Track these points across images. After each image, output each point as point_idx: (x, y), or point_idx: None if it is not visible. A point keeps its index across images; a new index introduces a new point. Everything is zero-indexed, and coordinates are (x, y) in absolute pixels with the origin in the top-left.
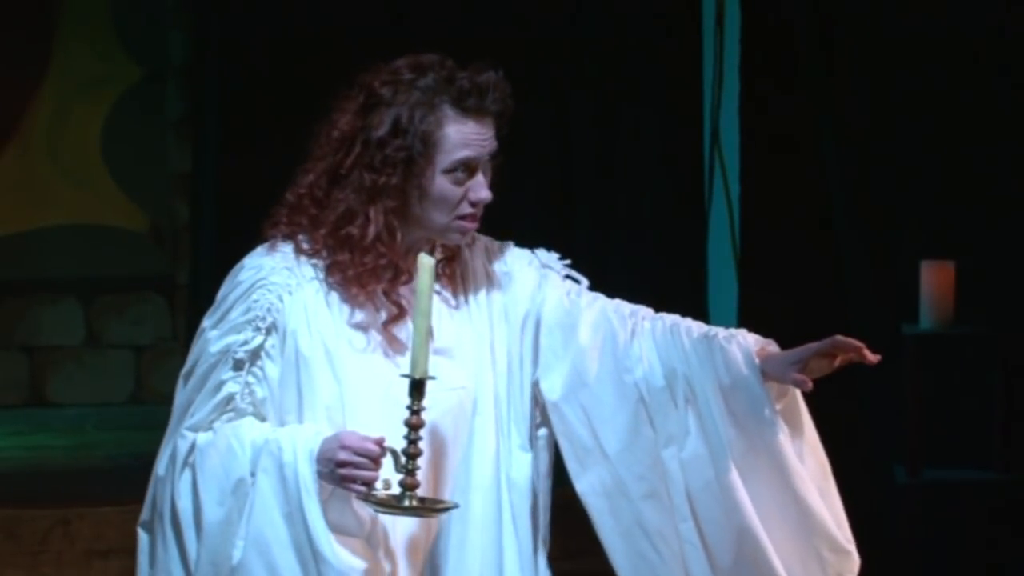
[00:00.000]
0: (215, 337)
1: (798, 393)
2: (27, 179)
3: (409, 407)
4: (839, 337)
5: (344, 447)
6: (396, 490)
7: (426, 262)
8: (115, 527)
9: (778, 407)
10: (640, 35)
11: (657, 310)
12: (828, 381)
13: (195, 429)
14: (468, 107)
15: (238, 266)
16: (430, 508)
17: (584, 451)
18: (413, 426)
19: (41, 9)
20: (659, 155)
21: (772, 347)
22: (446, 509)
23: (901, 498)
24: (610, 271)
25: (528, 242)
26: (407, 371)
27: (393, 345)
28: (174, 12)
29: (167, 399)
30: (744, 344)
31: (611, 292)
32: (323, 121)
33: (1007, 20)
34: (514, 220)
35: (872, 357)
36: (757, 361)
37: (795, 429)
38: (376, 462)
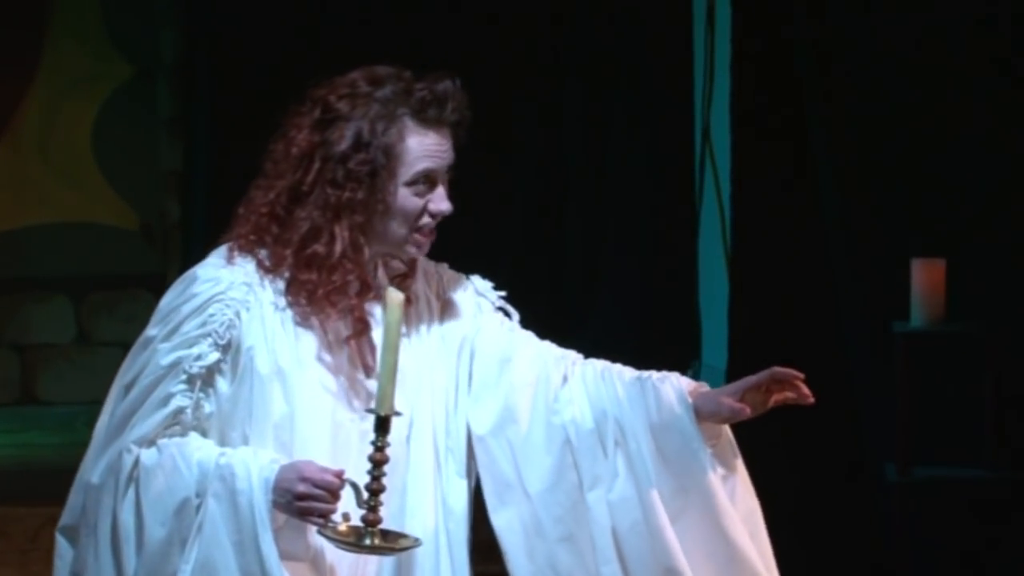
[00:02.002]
0: (165, 349)
1: (731, 435)
2: (18, 177)
3: (374, 443)
4: (777, 368)
5: (304, 479)
6: (356, 522)
7: (395, 298)
8: None
9: (711, 448)
10: (630, 33)
11: (649, 309)
12: (818, 379)
13: (139, 443)
14: (428, 118)
15: (189, 276)
16: (391, 547)
17: (505, 487)
18: (377, 462)
19: (32, 7)
20: (650, 153)
21: (704, 388)
22: (408, 548)
23: (891, 496)
24: (601, 269)
25: (522, 239)
26: (361, 401)
27: (344, 366)
28: (165, 10)
29: None
30: (677, 385)
31: (603, 290)
32: (276, 138)
33: (999, 17)
34: (505, 218)
35: (809, 397)
36: (690, 400)
37: (728, 470)
38: (335, 495)
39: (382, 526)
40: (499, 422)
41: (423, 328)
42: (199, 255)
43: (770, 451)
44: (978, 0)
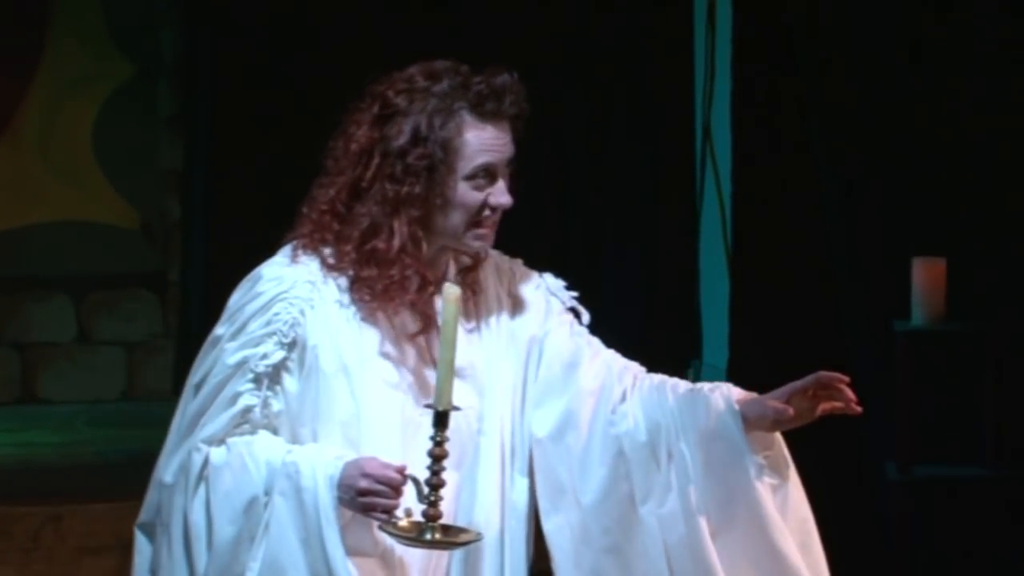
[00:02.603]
0: (232, 349)
1: (783, 445)
2: (18, 176)
3: (433, 438)
4: (823, 372)
5: (365, 475)
6: (418, 517)
7: (452, 293)
8: (106, 524)
9: (763, 458)
10: (631, 32)
11: (650, 308)
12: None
13: (209, 442)
14: (486, 112)
15: (254, 275)
16: (451, 541)
17: (559, 492)
18: (436, 457)
19: (33, 6)
20: (651, 152)
21: (754, 395)
22: (468, 542)
23: (892, 494)
24: (602, 268)
25: (521, 238)
26: (430, 398)
27: (410, 362)
28: (165, 10)
29: (158, 396)
30: (726, 393)
31: (603, 289)
32: (336, 135)
33: (1004, 20)
34: (506, 216)
35: (857, 406)
36: (737, 407)
37: (780, 480)
38: (397, 490)
39: (448, 520)
40: (560, 427)
41: (492, 322)
42: (200, 254)
43: None
44: (991, 8)
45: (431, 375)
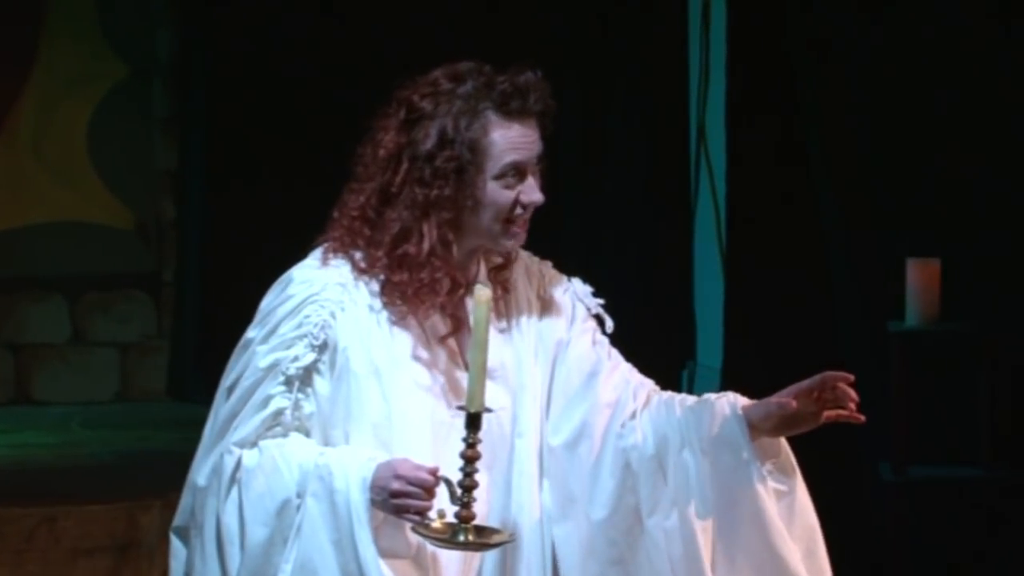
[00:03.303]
0: (263, 352)
1: (790, 453)
2: (13, 176)
3: (465, 439)
4: (829, 372)
5: (398, 476)
6: (450, 519)
7: (483, 295)
8: (101, 525)
9: (769, 464)
10: (626, 34)
11: (644, 310)
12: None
13: (241, 444)
14: (511, 110)
15: (285, 278)
16: (484, 542)
17: (569, 501)
18: (469, 459)
19: (28, 6)
20: (645, 154)
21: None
22: (501, 543)
23: (887, 495)
24: (597, 270)
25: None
26: (460, 398)
27: (441, 363)
28: (160, 10)
29: (153, 397)
30: (732, 400)
31: (598, 290)
32: (365, 141)
33: (993, 26)
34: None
35: (860, 418)
36: (742, 413)
37: (786, 487)
38: (430, 492)
39: (481, 521)
40: (575, 437)
41: (523, 322)
42: (194, 254)
43: None
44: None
45: (462, 377)
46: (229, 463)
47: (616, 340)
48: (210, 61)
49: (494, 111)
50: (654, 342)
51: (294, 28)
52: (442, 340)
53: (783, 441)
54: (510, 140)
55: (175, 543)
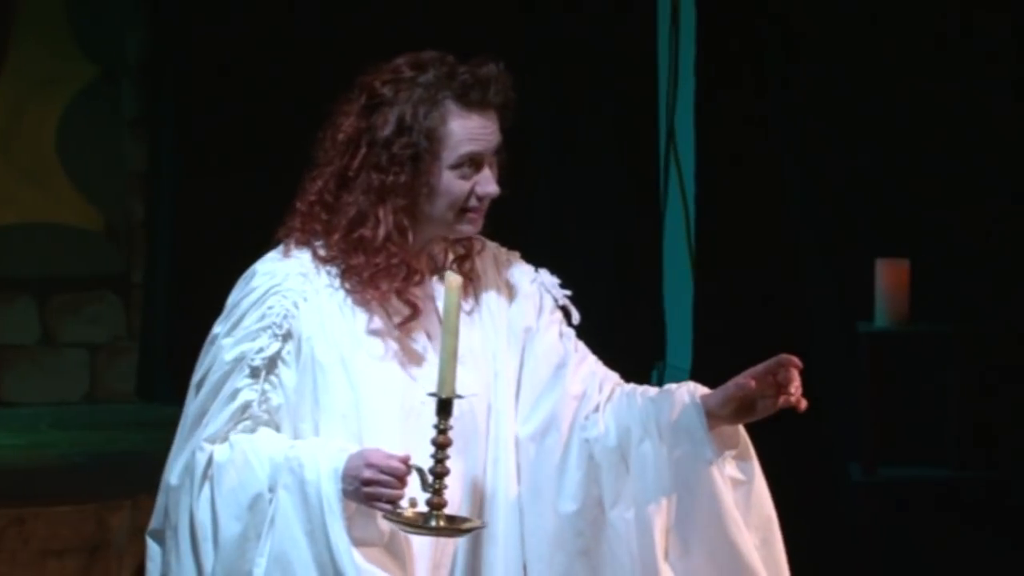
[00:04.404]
0: (229, 345)
1: (749, 443)
2: None
3: (436, 426)
4: (783, 354)
5: (369, 465)
6: (422, 507)
7: (453, 281)
8: (70, 526)
9: (726, 453)
10: (595, 33)
11: (613, 310)
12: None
13: (212, 440)
14: (471, 101)
15: (249, 272)
16: (456, 528)
17: (535, 493)
18: (440, 445)
19: None
20: (614, 153)
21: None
22: (472, 528)
23: (856, 496)
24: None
25: (486, 236)
26: (428, 384)
27: (407, 350)
28: (130, 11)
29: (122, 398)
30: (691, 388)
31: (568, 288)
32: (326, 125)
33: (967, 23)
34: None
35: (798, 404)
36: (700, 401)
37: (744, 476)
38: (402, 480)
39: (454, 509)
40: (543, 429)
41: (493, 308)
42: (164, 256)
43: None
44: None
45: (428, 363)
46: (201, 460)
47: (586, 340)
48: (180, 62)
49: (454, 101)
50: (624, 342)
51: (265, 28)
52: (400, 326)
53: (742, 430)
54: (468, 131)
55: (151, 546)
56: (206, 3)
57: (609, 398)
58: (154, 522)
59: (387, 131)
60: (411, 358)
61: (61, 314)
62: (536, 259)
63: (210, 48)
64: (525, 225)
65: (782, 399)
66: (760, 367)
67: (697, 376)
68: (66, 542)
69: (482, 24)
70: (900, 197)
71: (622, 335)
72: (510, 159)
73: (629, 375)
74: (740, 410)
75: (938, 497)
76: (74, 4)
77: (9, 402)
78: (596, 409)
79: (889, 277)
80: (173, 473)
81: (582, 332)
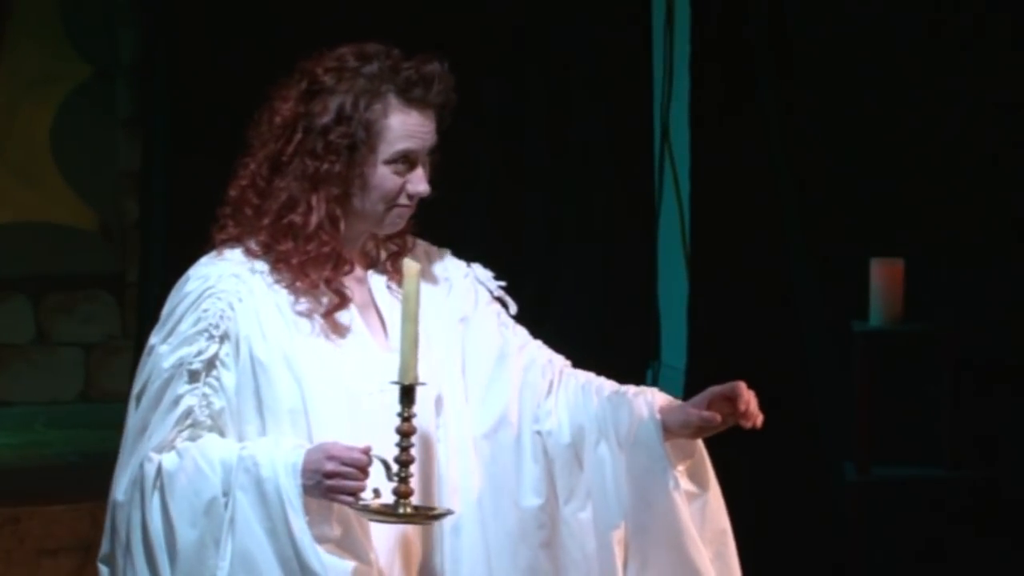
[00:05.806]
0: (166, 352)
1: (705, 454)
2: None
3: (400, 414)
4: (739, 382)
5: (331, 457)
6: (388, 498)
7: (411, 268)
8: (65, 526)
9: (683, 466)
10: (589, 33)
11: (608, 310)
12: (777, 379)
13: (159, 450)
14: (413, 97)
15: (183, 278)
16: (425, 515)
17: (496, 490)
18: (404, 433)
19: None
20: (608, 154)
21: (677, 403)
22: (441, 515)
23: (850, 495)
24: (559, 272)
25: (478, 240)
26: (373, 375)
27: (350, 341)
28: (123, 10)
29: (117, 397)
30: (650, 399)
31: (561, 290)
32: (263, 108)
33: (960, 24)
34: (465, 217)
35: (757, 421)
36: (659, 416)
37: (699, 489)
38: (364, 471)
39: (417, 500)
40: (495, 425)
41: (429, 303)
42: (158, 255)
43: (727, 450)
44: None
45: (376, 353)
46: (150, 470)
47: (581, 339)
48: (173, 61)
49: (396, 95)
50: (618, 342)
51: (259, 28)
52: (326, 315)
53: (699, 443)
54: (407, 127)
55: (102, 572)
56: (200, 3)
57: (560, 385)
58: (104, 546)
59: (326, 119)
60: (357, 348)
61: (55, 313)
62: (531, 259)
63: (204, 47)
64: (519, 225)
65: (748, 424)
66: (717, 390)
67: (692, 375)
68: (61, 541)
69: (477, 24)
70: (894, 197)
71: (617, 334)
72: (508, 157)
73: (624, 374)
74: (701, 428)
75: (932, 496)
76: (67, 4)
77: (3, 401)
78: (548, 393)
79: (883, 276)
80: (119, 489)
81: (578, 332)
